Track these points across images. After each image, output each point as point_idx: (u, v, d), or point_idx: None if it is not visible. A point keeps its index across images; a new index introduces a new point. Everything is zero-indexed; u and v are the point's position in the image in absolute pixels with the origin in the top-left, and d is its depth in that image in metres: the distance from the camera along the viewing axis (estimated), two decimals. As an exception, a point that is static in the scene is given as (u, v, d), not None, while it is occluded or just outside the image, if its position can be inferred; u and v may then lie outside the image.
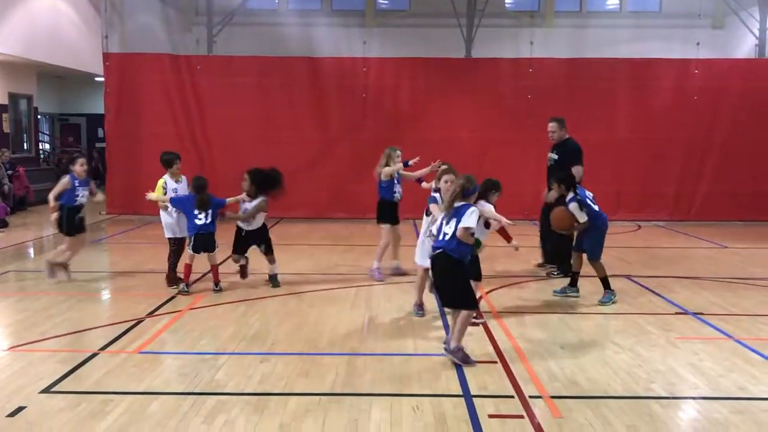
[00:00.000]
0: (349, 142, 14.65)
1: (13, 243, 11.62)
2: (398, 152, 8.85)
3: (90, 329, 6.40)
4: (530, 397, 4.79)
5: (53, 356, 5.56)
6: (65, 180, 8.22)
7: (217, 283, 7.93)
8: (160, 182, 8.18)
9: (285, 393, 4.82)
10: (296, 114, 14.74)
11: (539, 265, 9.50)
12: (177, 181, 8.24)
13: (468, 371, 5.24)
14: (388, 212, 8.78)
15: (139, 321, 6.64)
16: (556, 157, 9.26)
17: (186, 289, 7.79)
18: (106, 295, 8.25)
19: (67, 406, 4.56)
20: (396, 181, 8.77)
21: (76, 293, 7.88)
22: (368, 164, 14.50)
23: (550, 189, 8.72)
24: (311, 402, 4.67)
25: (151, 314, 6.91)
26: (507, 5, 19.92)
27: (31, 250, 11.46)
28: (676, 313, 7.11)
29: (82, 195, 8.29)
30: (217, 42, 16.81)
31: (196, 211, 7.74)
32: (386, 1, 20.32)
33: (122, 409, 4.51)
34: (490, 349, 5.84)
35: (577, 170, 8.61)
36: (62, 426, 4.27)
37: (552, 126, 9.36)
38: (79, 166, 8.24)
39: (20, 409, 4.49)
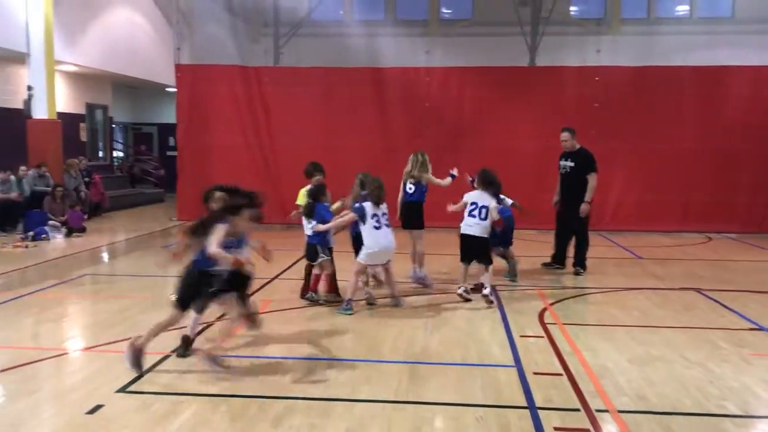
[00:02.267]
0: (410, 151, 14.69)
1: (89, 247, 12.12)
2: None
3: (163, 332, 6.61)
4: (597, 411, 4.72)
5: (128, 357, 5.78)
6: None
7: (331, 291, 7.82)
8: (302, 192, 8.08)
9: (350, 399, 4.89)
10: (359, 123, 14.93)
11: (545, 265, 10.03)
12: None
13: (533, 383, 5.20)
14: (421, 216, 8.87)
15: (209, 325, 6.83)
16: (572, 164, 9.76)
17: (315, 297, 7.73)
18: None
19: (141, 405, 4.74)
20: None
21: (149, 297, 8.17)
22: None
23: (561, 195, 9.77)
24: (376, 408, 4.72)
25: (220, 318, 7.09)
26: (572, 13, 19.65)
27: (106, 255, 11.92)
28: (750, 329, 6.88)
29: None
30: (283, 53, 17.16)
31: (311, 222, 7.61)
32: (449, 11, 20.35)
33: (193, 410, 4.66)
34: (556, 361, 5.77)
35: (592, 177, 9.49)
36: (137, 425, 4.45)
37: (565, 135, 9.82)
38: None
39: (98, 407, 4.69)
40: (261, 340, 6.31)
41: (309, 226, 7.71)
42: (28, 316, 7.27)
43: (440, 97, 15.00)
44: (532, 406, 4.78)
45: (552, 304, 7.83)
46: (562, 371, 5.51)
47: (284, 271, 9.69)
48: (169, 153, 23.66)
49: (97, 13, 18.10)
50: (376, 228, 7.48)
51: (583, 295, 8.46)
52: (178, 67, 15.53)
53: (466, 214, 7.97)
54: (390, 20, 19.51)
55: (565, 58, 15.89)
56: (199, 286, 5.44)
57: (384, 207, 7.70)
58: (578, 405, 4.82)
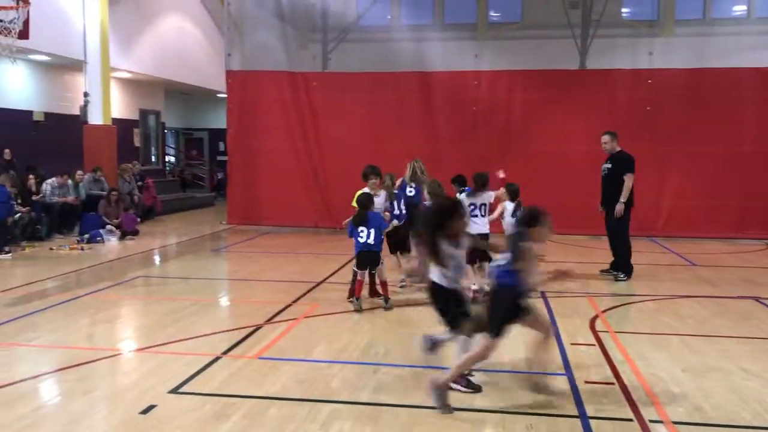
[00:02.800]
0: (458, 155, 14.66)
1: (142, 250, 12.40)
2: None
3: (212, 334, 6.72)
4: (650, 421, 4.60)
5: (180, 358, 5.89)
6: None
7: (387, 299, 7.77)
8: (357, 194, 8.17)
9: (398, 404, 4.87)
10: (406, 127, 14.93)
11: (603, 272, 9.82)
12: (375, 195, 8.29)
13: (584, 392, 5.10)
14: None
15: (258, 327, 6.91)
16: (609, 166, 9.69)
17: (357, 302, 7.62)
18: (226, 301, 8.65)
19: (193, 406, 4.81)
20: None
21: (199, 299, 8.31)
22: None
23: (603, 200, 9.63)
24: (424, 414, 4.69)
25: (269, 321, 7.18)
26: (623, 15, 19.28)
27: (158, 258, 12.16)
28: (813, 340, 6.63)
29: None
30: (331, 58, 17.28)
31: (359, 229, 7.68)
32: (498, 14, 20.19)
33: (243, 412, 4.71)
34: (607, 370, 5.66)
35: (628, 177, 9.38)
36: (188, 425, 4.51)
37: (605, 138, 9.78)
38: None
39: (151, 407, 4.78)
40: (309, 344, 6.34)
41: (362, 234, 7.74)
42: (84, 316, 7.47)
43: (488, 100, 14.91)
44: (583, 415, 4.69)
45: (604, 311, 7.68)
46: (614, 380, 5.39)
47: (332, 274, 9.75)
48: (219, 158, 24.08)
49: (150, 21, 18.55)
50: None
51: (635, 302, 8.27)
52: (229, 73, 15.80)
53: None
54: (438, 24, 19.47)
55: (616, 60, 15.59)
56: (517, 309, 4.93)
57: None
58: (631, 415, 4.71)
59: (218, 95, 20.92)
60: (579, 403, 4.90)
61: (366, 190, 8.41)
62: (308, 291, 8.57)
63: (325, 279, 9.42)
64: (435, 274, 5.00)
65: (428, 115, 15.02)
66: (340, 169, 14.55)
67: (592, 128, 14.28)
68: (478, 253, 7.80)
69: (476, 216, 8.21)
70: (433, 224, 4.94)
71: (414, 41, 16.14)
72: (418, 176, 9.58)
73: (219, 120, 20.27)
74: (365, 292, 7.95)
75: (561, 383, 5.30)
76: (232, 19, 16.25)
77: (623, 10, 19.55)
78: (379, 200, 8.40)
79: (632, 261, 9.68)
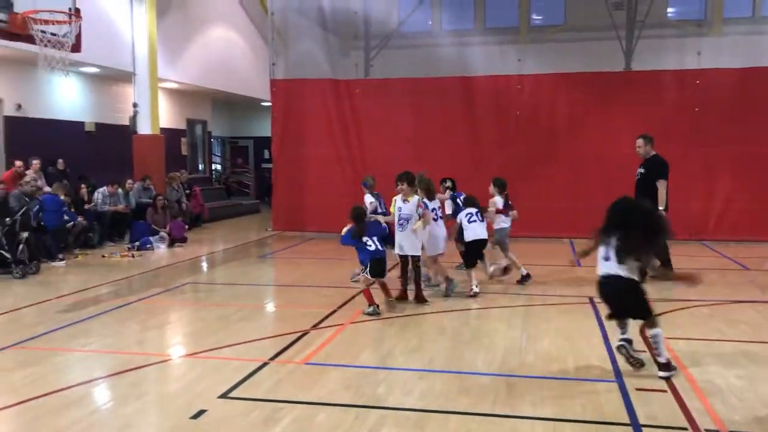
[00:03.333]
0: (501, 160, 14.59)
1: (190, 257, 12.61)
2: None
3: (260, 339, 6.80)
4: (706, 430, 4.49)
5: (228, 364, 5.97)
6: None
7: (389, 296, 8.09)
8: (394, 200, 8.43)
9: (445, 411, 4.85)
10: (449, 133, 14.92)
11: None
12: (406, 201, 8.30)
13: (636, 399, 5.00)
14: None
15: (305, 333, 6.96)
16: (642, 171, 9.51)
17: (376, 311, 7.69)
18: (273, 307, 8.74)
19: (242, 412, 4.87)
20: None
21: (246, 305, 8.42)
22: (520, 182, 14.40)
23: None
24: (472, 421, 4.66)
25: (315, 327, 7.23)
26: (669, 15, 18.92)
27: (205, 264, 12.36)
28: None
29: None
30: (373, 65, 17.36)
31: (364, 240, 7.82)
32: (540, 17, 20.01)
33: (292, 417, 4.75)
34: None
35: (661, 183, 9.20)
36: (238, 430, 4.56)
37: (639, 142, 9.70)
38: None
39: (201, 412, 4.85)
40: (355, 349, 6.37)
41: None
42: (135, 322, 7.63)
43: (532, 104, 14.80)
44: (635, 424, 4.60)
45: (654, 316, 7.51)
46: (666, 387, 5.28)
47: (376, 281, 9.76)
48: (264, 165, 24.38)
49: (197, 32, 18.92)
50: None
51: (687, 308, 8.08)
52: (273, 82, 16.01)
53: (465, 223, 8.89)
54: (479, 29, 19.40)
55: (662, 61, 15.31)
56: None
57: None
58: (685, 424, 4.60)
59: (263, 104, 21.21)
60: (630, 411, 4.80)
61: (398, 197, 8.38)
62: (353, 297, 8.59)
63: (370, 285, 9.42)
64: (629, 271, 5.45)
65: (471, 120, 14.98)
66: (383, 175, 14.52)
67: (638, 131, 13.96)
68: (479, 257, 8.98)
69: (475, 221, 8.91)
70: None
71: (456, 46, 16.12)
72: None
73: (264, 128, 20.54)
74: (376, 294, 7.93)
75: (612, 390, 5.21)
76: (276, 28, 16.47)
77: (669, 9, 19.17)
78: (409, 206, 8.24)
79: (685, 266, 9.45)
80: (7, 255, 10.31)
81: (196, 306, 8.63)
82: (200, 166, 22.37)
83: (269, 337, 6.88)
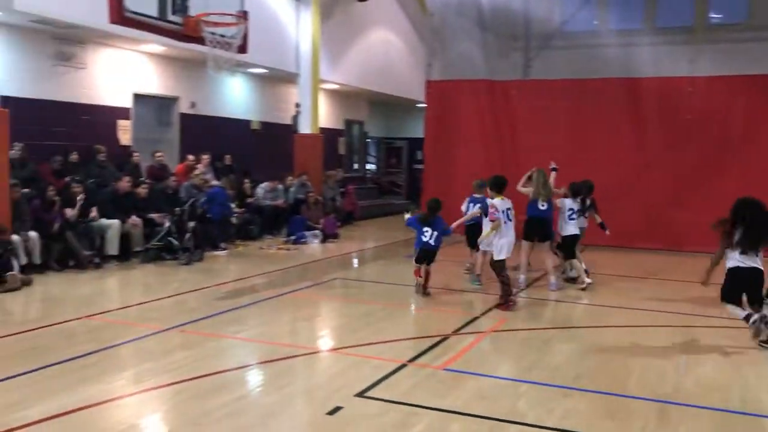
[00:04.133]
0: (669, 167, 13.67)
1: (341, 253, 12.95)
2: None
3: (400, 340, 6.79)
4: None
5: (368, 362, 6.00)
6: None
7: (425, 288, 8.87)
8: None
9: (588, 434, 4.56)
10: (610, 137, 14.20)
11: None
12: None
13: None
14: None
15: (446, 337, 6.86)
16: None
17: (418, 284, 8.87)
18: (415, 308, 8.72)
19: (377, 412, 4.85)
20: None
21: (390, 304, 8.46)
22: (686, 192, 13.38)
23: None
24: (616, 448, 4.34)
25: (456, 332, 7.11)
26: None
27: (355, 261, 12.62)
28: None
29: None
30: (532, 66, 16.92)
31: (424, 229, 8.68)
32: (719, 15, 18.53)
33: (425, 424, 4.66)
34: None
35: None
36: (372, 431, 4.54)
37: None
38: None
39: (338, 408, 4.89)
40: (495, 359, 6.18)
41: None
42: (285, 314, 7.91)
43: (704, 108, 13.71)
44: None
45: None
46: None
47: (523, 289, 9.48)
48: (415, 166, 24.57)
49: (358, 35, 19.40)
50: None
51: None
52: (429, 83, 16.04)
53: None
54: (649, 28, 18.31)
55: None
56: None
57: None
58: None
59: (418, 105, 21.37)
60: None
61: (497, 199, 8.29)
62: (498, 305, 8.37)
63: (515, 293, 9.17)
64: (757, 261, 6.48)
65: (636, 123, 14.15)
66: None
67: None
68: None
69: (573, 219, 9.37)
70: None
71: (622, 46, 15.31)
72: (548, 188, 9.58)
73: (418, 129, 20.68)
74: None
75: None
76: (434, 29, 16.51)
77: None
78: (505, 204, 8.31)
79: None
80: (176, 242, 11.10)
81: (343, 301, 8.81)
82: (355, 165, 22.94)
83: (410, 339, 6.87)
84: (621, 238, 13.45)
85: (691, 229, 13.10)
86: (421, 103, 17.61)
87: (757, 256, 6.50)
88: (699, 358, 6.40)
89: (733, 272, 6.58)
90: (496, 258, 8.14)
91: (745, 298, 6.70)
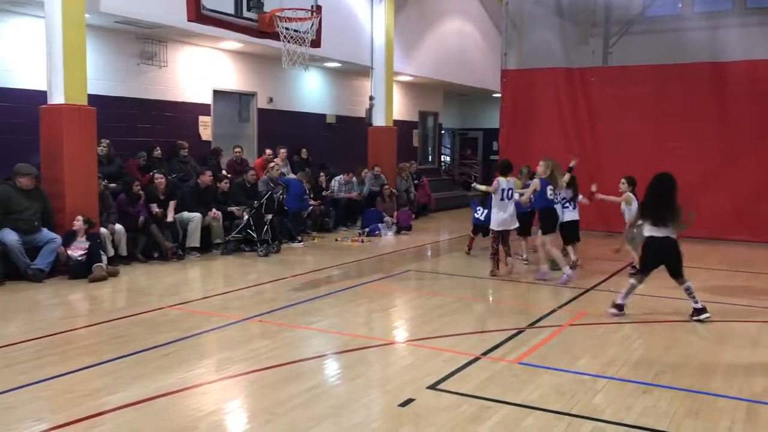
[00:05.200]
0: (760, 155, 12.98)
1: (415, 245, 12.93)
2: None
3: (474, 333, 6.71)
4: None
5: (440, 354, 5.96)
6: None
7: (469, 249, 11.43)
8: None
9: (669, 432, 4.38)
10: (695, 124, 13.61)
11: None
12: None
13: None
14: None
15: (521, 330, 6.75)
16: None
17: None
18: (489, 301, 8.61)
19: (450, 405, 4.81)
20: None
21: (463, 296, 8.39)
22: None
23: None
24: (700, 448, 4.15)
25: (531, 325, 6.97)
26: None
27: (429, 253, 12.58)
28: None
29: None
30: (612, 52, 16.39)
31: (478, 208, 11.08)
32: (816, -8, 17.42)
33: (499, 417, 4.59)
34: None
35: None
36: (444, 424, 4.50)
37: None
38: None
39: (410, 400, 4.87)
40: (573, 353, 6.02)
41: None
42: (359, 305, 7.97)
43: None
44: None
45: None
46: None
47: (602, 282, 9.22)
48: (492, 157, 24.28)
49: (432, 25, 19.29)
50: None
51: None
52: (504, 73, 15.79)
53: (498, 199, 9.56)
54: (739, 9, 17.41)
55: None
56: None
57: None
58: None
59: (493, 95, 21.07)
60: None
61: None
62: (576, 297, 8.18)
63: (594, 286, 8.93)
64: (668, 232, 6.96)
65: (722, 110, 13.51)
66: (616, 169, 13.70)
67: None
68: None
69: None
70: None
71: (709, 29, 14.62)
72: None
73: (493, 120, 20.42)
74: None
75: None
76: (510, 17, 16.21)
77: None
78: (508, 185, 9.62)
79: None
80: (254, 235, 11.35)
81: (417, 293, 8.79)
82: (430, 158, 22.85)
83: (483, 332, 6.77)
84: (707, 229, 12.89)
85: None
86: (497, 93, 17.34)
87: (667, 227, 6.94)
88: (792, 355, 6.05)
89: (648, 242, 7.12)
90: (491, 227, 9.73)
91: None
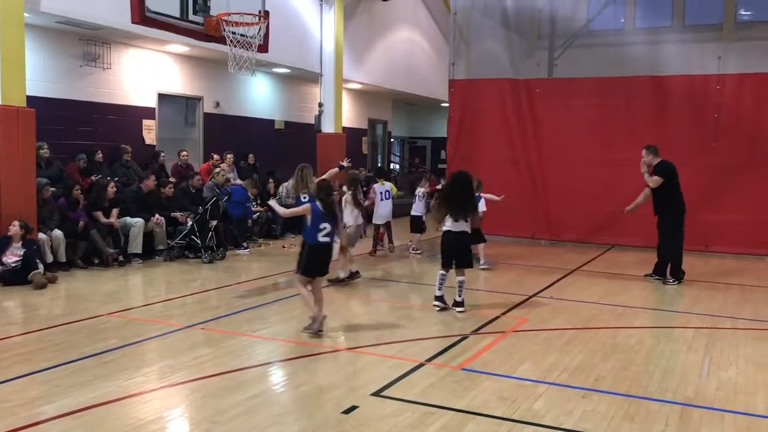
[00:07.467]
0: (695, 168, 13.41)
1: (362, 252, 12.90)
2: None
3: (419, 339, 6.74)
4: None
5: (385, 361, 5.97)
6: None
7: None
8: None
9: (606, 436, 4.48)
10: (636, 135, 13.93)
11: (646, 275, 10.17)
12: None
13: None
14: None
15: (464, 337, 6.81)
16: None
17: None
18: (436, 309, 8.65)
19: (393, 411, 4.82)
20: None
21: (411, 303, 8.43)
22: (718, 191, 13.13)
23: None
24: (636, 451, 4.26)
25: (475, 331, 7.05)
26: None
27: (380, 259, 12.58)
28: None
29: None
30: (557, 65, 16.76)
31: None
32: (749, 12, 18.19)
33: (441, 424, 4.62)
34: None
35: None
36: (387, 430, 4.50)
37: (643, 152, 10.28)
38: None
39: (353, 408, 4.87)
40: (515, 359, 6.11)
41: None
42: (305, 312, 7.75)
43: (733, 107, 13.44)
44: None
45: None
46: None
47: (545, 288, 9.39)
48: (440, 166, 24.49)
49: (381, 34, 19.39)
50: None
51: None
52: (452, 83, 15.95)
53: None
54: (677, 26, 18.03)
55: None
56: None
57: None
58: None
59: (442, 104, 21.29)
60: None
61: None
62: (518, 304, 8.31)
63: (536, 293, 9.08)
64: (465, 226, 7.71)
65: (662, 122, 13.90)
66: (561, 179, 14.04)
67: None
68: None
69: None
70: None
71: (649, 44, 15.09)
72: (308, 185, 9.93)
73: (441, 129, 20.61)
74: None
75: None
76: (458, 28, 16.41)
77: None
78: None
79: None
80: (198, 241, 11.18)
81: (366, 300, 8.79)
82: (379, 165, 22.91)
83: (429, 338, 6.81)
84: (647, 238, 13.26)
85: (720, 229, 12.87)
86: (445, 102, 17.54)
87: (466, 221, 7.69)
88: (723, 360, 6.26)
89: (445, 235, 7.77)
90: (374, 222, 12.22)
91: None
